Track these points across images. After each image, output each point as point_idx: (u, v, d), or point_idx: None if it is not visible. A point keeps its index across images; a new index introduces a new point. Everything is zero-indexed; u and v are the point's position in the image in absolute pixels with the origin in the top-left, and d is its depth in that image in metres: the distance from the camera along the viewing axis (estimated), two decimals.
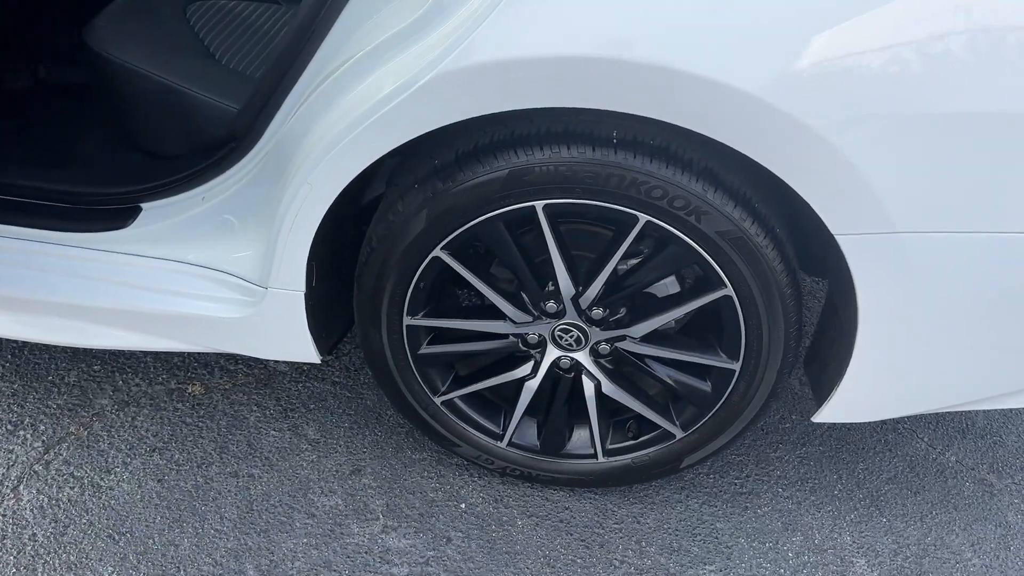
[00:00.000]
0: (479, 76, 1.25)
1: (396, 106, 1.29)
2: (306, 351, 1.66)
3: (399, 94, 1.28)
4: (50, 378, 1.98)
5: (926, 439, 2.02)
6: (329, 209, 1.46)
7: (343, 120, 1.36)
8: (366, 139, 1.33)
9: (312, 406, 1.97)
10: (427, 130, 1.31)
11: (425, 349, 1.63)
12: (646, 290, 1.57)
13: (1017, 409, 2.06)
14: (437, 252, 1.47)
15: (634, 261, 1.56)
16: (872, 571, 1.73)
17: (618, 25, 1.21)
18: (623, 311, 1.57)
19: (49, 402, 1.93)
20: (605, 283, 1.49)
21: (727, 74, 1.20)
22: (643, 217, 1.38)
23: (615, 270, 1.49)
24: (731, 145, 1.26)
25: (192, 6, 1.95)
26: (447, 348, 1.64)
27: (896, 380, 1.53)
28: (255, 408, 1.96)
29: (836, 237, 1.32)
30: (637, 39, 1.21)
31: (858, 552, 1.76)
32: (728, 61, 1.20)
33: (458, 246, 1.48)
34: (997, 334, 1.42)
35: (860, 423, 2.01)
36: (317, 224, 1.45)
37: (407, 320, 1.57)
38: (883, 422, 2.04)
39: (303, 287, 1.55)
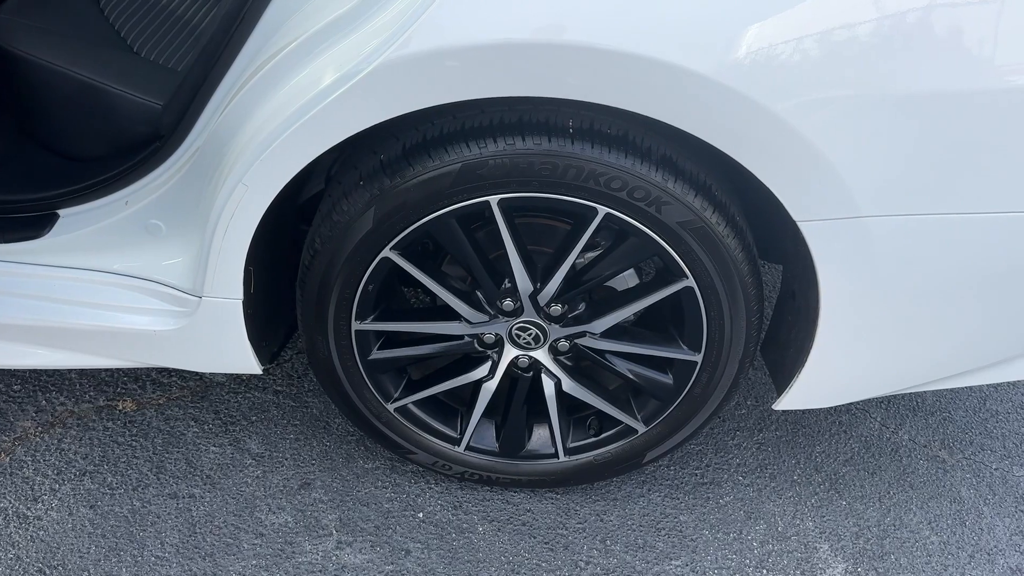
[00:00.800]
0: (424, 65, 1.17)
1: (337, 99, 1.20)
2: (246, 362, 1.56)
3: (340, 86, 1.20)
4: None
5: (879, 419, 2.04)
6: (266, 210, 1.36)
7: (279, 115, 1.26)
8: (305, 135, 1.24)
9: (254, 418, 1.87)
10: (371, 124, 1.23)
11: (376, 354, 1.55)
12: (605, 284, 1.52)
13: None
14: (387, 252, 1.39)
15: (592, 255, 1.51)
16: (835, 555, 1.73)
17: (563, 6, 1.14)
18: (582, 307, 1.52)
19: None
20: (564, 279, 1.44)
21: (680, 55, 1.15)
22: (603, 209, 1.33)
23: (573, 265, 1.43)
24: (690, 132, 1.22)
25: None
26: (400, 352, 1.56)
27: (858, 365, 1.52)
28: (192, 423, 1.84)
29: (799, 224, 1.29)
30: (587, 20, 1.14)
31: (821, 537, 1.76)
32: (680, 41, 1.15)
33: (408, 245, 1.40)
34: (958, 314, 1.41)
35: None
36: (254, 228, 1.35)
37: (356, 325, 1.49)
38: None
39: (240, 295, 1.45)
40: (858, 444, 1.97)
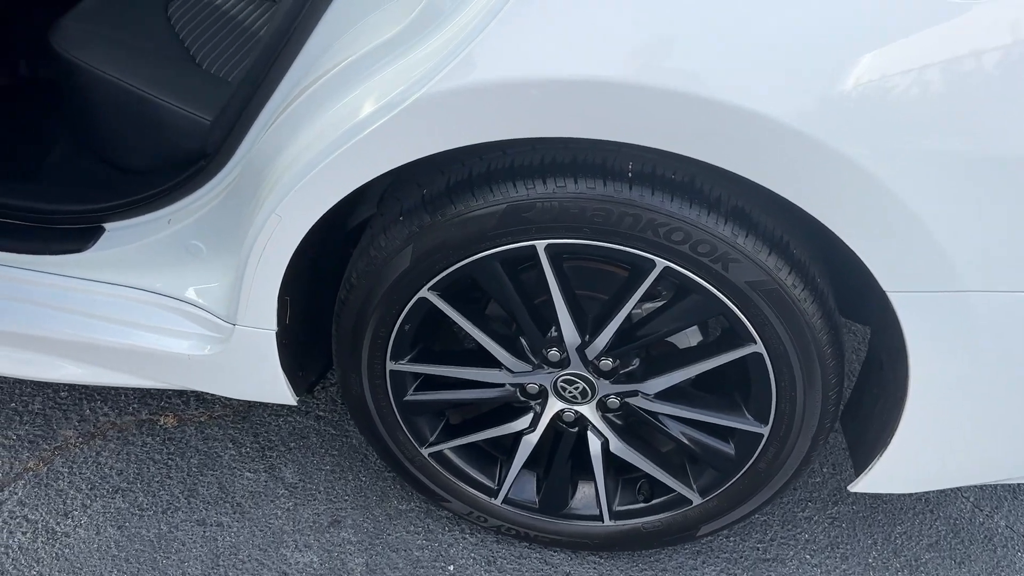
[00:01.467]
0: (467, 100, 1.06)
1: (375, 130, 1.11)
2: (280, 393, 1.49)
3: (378, 118, 1.10)
4: (13, 404, 1.82)
5: (971, 499, 1.82)
6: (304, 239, 1.28)
7: (318, 143, 1.18)
8: (341, 168, 1.16)
9: (292, 444, 1.80)
10: (410, 159, 1.13)
11: (411, 396, 1.45)
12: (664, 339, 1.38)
13: None
14: (424, 293, 1.29)
15: (651, 305, 1.37)
16: None
17: (621, 42, 1.02)
18: (636, 362, 1.38)
19: (9, 432, 1.77)
20: (616, 332, 1.31)
21: (754, 99, 1.00)
22: (661, 262, 1.19)
23: (629, 316, 1.30)
24: (765, 185, 1.07)
25: (174, 3, 1.78)
26: (436, 396, 1.46)
27: (948, 451, 1.33)
28: (230, 445, 1.79)
29: (888, 294, 1.13)
30: (649, 59, 1.02)
31: None
32: (754, 83, 1.00)
33: (449, 285, 1.30)
34: None
35: None
36: (287, 260, 1.28)
37: (391, 365, 1.40)
38: None
39: (274, 326, 1.38)
40: (945, 527, 1.76)
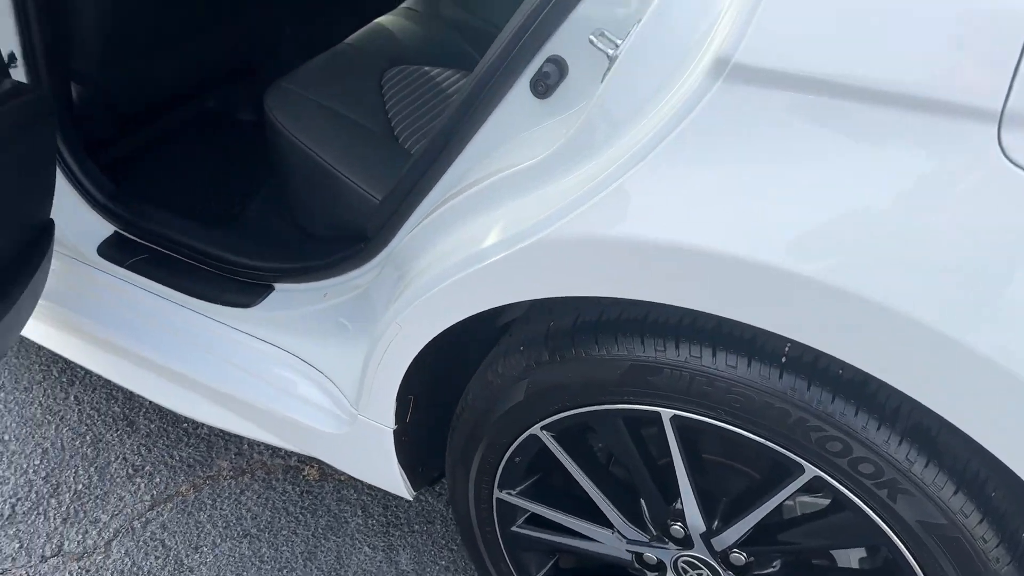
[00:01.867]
0: (598, 250, 0.93)
1: (493, 264, 1.01)
2: (397, 485, 1.44)
3: (500, 250, 1.01)
4: (185, 425, 1.95)
5: None
6: (435, 341, 1.21)
7: (445, 260, 1.11)
8: (458, 293, 1.07)
9: (416, 527, 1.75)
10: (522, 299, 1.02)
11: (518, 528, 1.33)
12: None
13: None
14: (536, 431, 1.17)
15: (808, 500, 1.14)
16: None
17: (842, 238, 0.83)
18: (776, 565, 1.15)
19: (175, 452, 1.89)
20: (752, 528, 1.09)
21: (933, 314, 0.78)
22: (810, 469, 0.97)
23: (779, 508, 1.08)
24: (955, 423, 0.82)
25: (392, 71, 1.82)
26: (543, 535, 1.32)
27: None
28: (360, 513, 1.78)
29: None
30: (866, 268, 0.83)
31: None
32: (935, 294, 0.79)
33: (567, 427, 1.16)
34: None
35: None
36: (406, 366, 1.22)
37: (498, 493, 1.28)
38: None
39: (392, 424, 1.33)
40: None
